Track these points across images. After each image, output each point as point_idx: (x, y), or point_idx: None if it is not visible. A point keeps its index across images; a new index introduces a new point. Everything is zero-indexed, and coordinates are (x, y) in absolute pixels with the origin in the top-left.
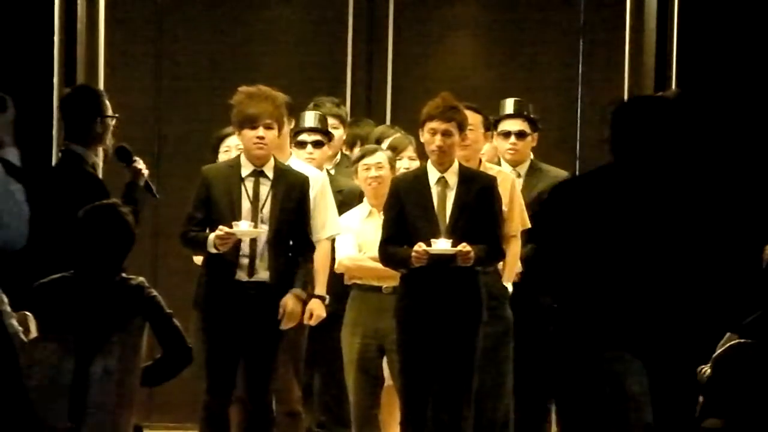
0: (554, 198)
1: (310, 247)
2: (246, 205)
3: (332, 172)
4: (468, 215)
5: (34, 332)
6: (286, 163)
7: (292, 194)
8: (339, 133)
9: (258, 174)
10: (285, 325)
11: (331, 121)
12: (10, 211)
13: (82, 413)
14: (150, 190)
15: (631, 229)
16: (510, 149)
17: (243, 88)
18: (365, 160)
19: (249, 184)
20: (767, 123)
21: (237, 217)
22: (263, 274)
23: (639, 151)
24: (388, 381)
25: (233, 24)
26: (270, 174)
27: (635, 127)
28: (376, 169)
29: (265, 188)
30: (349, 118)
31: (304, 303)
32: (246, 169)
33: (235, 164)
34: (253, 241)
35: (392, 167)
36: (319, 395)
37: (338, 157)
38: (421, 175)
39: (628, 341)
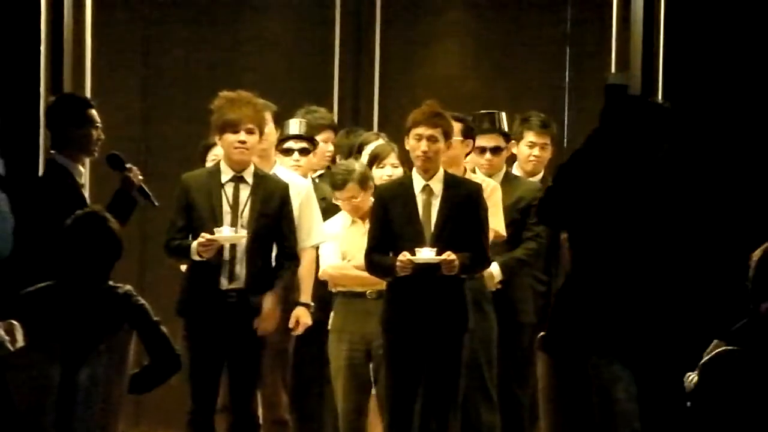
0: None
1: (291, 256)
2: (226, 211)
3: (317, 180)
4: (453, 223)
5: (20, 341)
6: (271, 171)
7: (271, 201)
8: (331, 147)
9: (238, 180)
10: (261, 327)
11: (325, 134)
12: None
13: (69, 421)
14: (147, 197)
15: (622, 232)
16: (485, 164)
17: (223, 93)
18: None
19: (229, 189)
20: (756, 129)
21: (218, 223)
22: (241, 281)
23: (638, 152)
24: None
25: (220, 31)
26: (249, 180)
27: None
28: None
29: (244, 194)
30: (336, 127)
31: (289, 311)
32: (226, 175)
33: (215, 170)
34: (233, 248)
35: (365, 180)
36: (296, 400)
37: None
38: (405, 182)
39: (616, 348)
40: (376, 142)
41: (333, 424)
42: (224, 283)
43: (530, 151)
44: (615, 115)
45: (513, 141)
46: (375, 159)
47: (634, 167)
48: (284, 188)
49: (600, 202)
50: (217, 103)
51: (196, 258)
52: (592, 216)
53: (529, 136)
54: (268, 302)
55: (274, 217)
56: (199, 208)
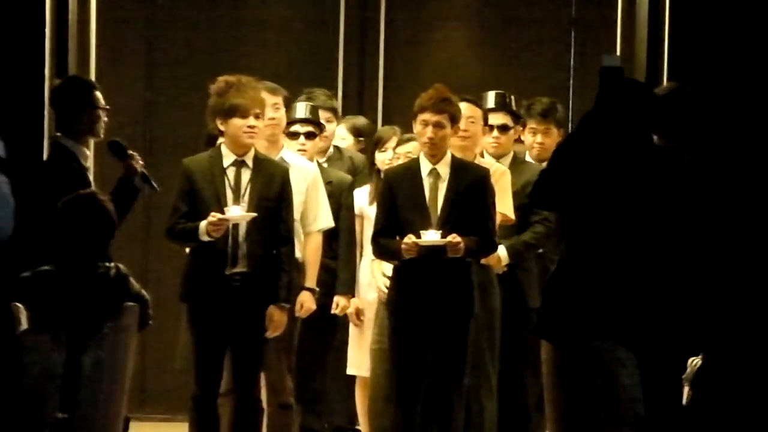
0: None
1: (286, 240)
2: (229, 195)
3: (325, 165)
4: (460, 207)
5: (24, 324)
6: (278, 156)
7: (272, 184)
8: (332, 126)
9: (239, 164)
10: (271, 335)
11: (324, 114)
12: None
13: (74, 404)
14: (149, 182)
15: (634, 214)
16: (493, 143)
17: (223, 78)
18: (398, 149)
19: (230, 173)
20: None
21: (222, 206)
22: (244, 265)
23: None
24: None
25: (224, 18)
26: (250, 163)
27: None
28: (405, 158)
29: (245, 177)
30: (340, 111)
31: (294, 295)
32: (227, 159)
33: (216, 155)
34: (236, 232)
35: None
36: (301, 384)
37: (331, 149)
38: (413, 166)
39: (618, 332)
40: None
41: (338, 408)
42: (226, 269)
43: (534, 138)
44: (609, 97)
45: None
46: (378, 142)
47: (628, 149)
48: (284, 172)
49: (595, 185)
50: (218, 87)
51: (205, 238)
52: (586, 198)
53: (531, 123)
54: (276, 314)
55: (275, 200)
56: (202, 193)
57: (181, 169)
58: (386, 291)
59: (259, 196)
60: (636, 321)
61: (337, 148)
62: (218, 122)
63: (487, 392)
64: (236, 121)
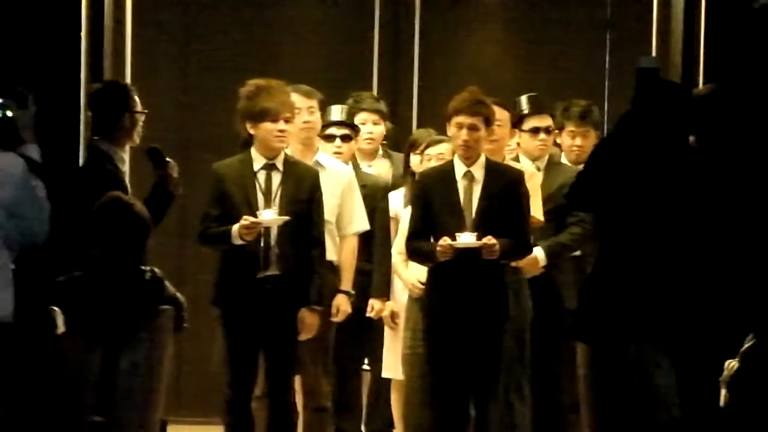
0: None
1: (318, 242)
2: (260, 198)
3: (370, 167)
4: (494, 209)
5: (61, 328)
6: (314, 159)
7: (302, 187)
8: (380, 129)
9: (269, 167)
10: (303, 338)
11: (372, 117)
12: (31, 207)
13: (110, 407)
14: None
15: (669, 216)
16: (540, 145)
17: (253, 81)
18: (429, 150)
19: (261, 177)
20: None
21: (254, 211)
22: (276, 268)
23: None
24: (397, 375)
25: (259, 20)
26: (281, 167)
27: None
28: (437, 159)
29: (276, 181)
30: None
31: (329, 298)
32: (258, 163)
33: (246, 159)
34: (268, 235)
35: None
36: (336, 388)
37: (380, 151)
38: (447, 169)
39: (655, 334)
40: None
41: (374, 412)
42: (260, 271)
43: (572, 141)
44: (646, 98)
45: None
46: (413, 145)
47: (665, 151)
48: (315, 175)
49: (632, 186)
50: (249, 91)
51: (238, 242)
52: (622, 200)
53: (570, 126)
54: (308, 317)
55: (305, 203)
56: (234, 197)
57: (212, 173)
58: (420, 286)
59: (290, 199)
60: (672, 323)
61: (385, 151)
62: (248, 126)
63: (517, 395)
64: (267, 125)
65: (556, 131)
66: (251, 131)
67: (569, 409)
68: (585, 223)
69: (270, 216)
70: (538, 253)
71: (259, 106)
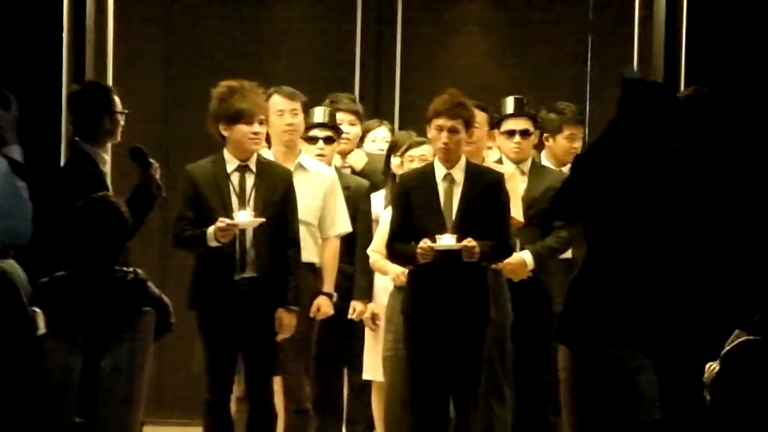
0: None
1: (293, 242)
2: (235, 200)
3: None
4: (475, 211)
5: (42, 329)
6: (297, 161)
7: (276, 187)
8: (356, 129)
9: (243, 169)
10: (281, 338)
11: (348, 117)
12: (15, 207)
13: (91, 408)
14: (158, 190)
15: (639, 223)
16: (515, 148)
17: (225, 83)
18: (411, 152)
19: (235, 178)
20: None
21: (228, 212)
22: (252, 269)
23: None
24: (378, 377)
25: (241, 22)
26: (254, 168)
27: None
28: (419, 161)
29: (250, 182)
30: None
31: (311, 299)
32: (231, 164)
33: (219, 160)
34: (243, 237)
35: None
36: (318, 389)
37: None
38: (428, 171)
39: (637, 338)
40: (379, 129)
41: (355, 414)
42: (236, 273)
43: (570, 144)
44: (632, 105)
45: (544, 132)
46: (394, 147)
47: (650, 157)
48: (288, 175)
49: (617, 193)
50: (221, 92)
51: (213, 244)
52: (608, 207)
53: (568, 129)
54: (285, 317)
55: (279, 203)
56: (208, 199)
57: (184, 175)
58: (402, 279)
59: (264, 200)
60: (654, 327)
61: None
62: (221, 127)
63: (497, 398)
64: (242, 127)
65: (537, 133)
66: (224, 133)
67: (552, 411)
68: (572, 227)
69: (246, 218)
70: (526, 256)
71: (234, 108)
